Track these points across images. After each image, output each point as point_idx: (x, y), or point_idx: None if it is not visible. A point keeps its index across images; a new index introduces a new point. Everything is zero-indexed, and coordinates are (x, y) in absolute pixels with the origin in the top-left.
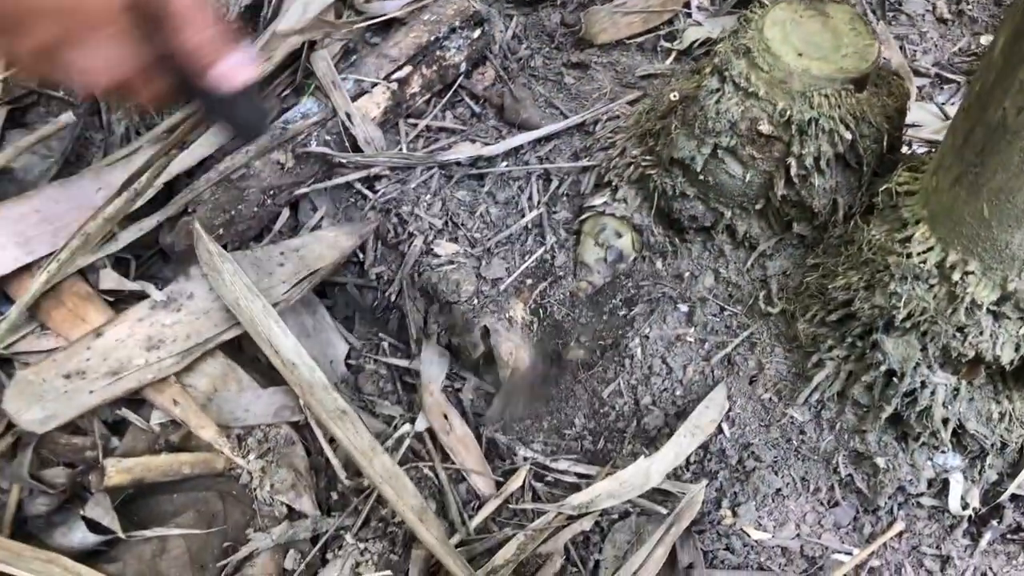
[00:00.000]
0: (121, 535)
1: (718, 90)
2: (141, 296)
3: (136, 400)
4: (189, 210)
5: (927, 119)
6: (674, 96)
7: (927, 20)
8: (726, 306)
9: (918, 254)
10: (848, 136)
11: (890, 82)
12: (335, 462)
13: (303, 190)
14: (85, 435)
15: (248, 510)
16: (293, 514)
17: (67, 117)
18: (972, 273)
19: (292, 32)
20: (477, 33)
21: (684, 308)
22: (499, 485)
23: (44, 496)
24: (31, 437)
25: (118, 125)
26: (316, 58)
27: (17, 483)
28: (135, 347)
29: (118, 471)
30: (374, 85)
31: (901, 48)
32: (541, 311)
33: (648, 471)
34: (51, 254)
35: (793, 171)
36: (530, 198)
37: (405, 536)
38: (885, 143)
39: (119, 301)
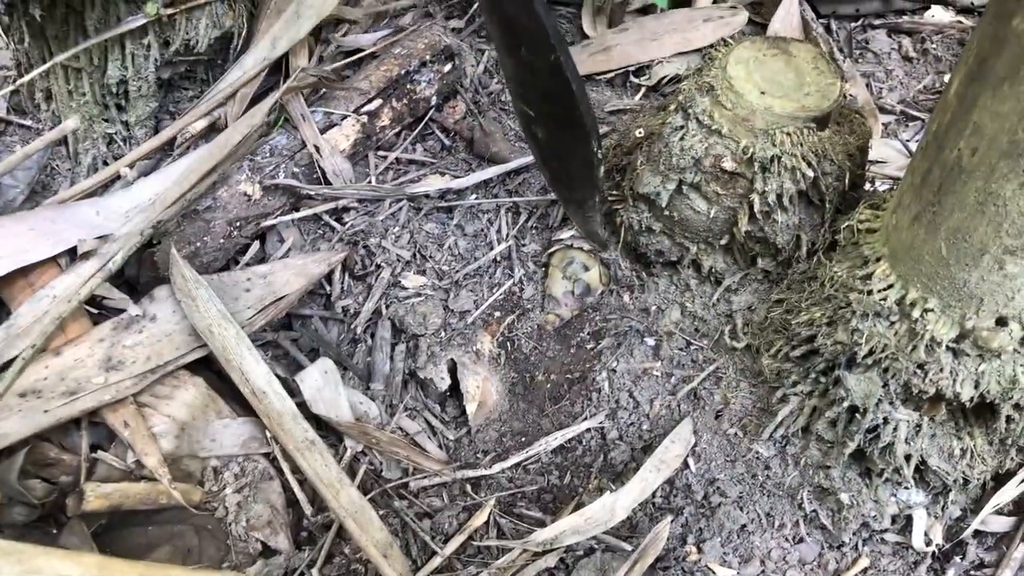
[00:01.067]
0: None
1: (682, 127)
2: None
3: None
4: (155, 242)
5: (892, 155)
6: (639, 133)
7: (893, 58)
8: (692, 340)
9: (879, 291)
10: (810, 173)
11: (852, 120)
12: (301, 496)
13: (270, 222)
14: (73, 453)
15: (223, 545)
16: (267, 551)
17: (73, 123)
18: (931, 310)
19: (285, 89)
20: (448, 67)
21: (651, 342)
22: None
23: (23, 506)
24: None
25: (85, 155)
26: (286, 92)
27: (2, 489)
28: (94, 367)
29: (96, 496)
30: (344, 118)
31: (868, 85)
32: (509, 344)
33: (613, 507)
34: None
35: (756, 207)
36: (499, 231)
37: (368, 574)
38: (847, 180)
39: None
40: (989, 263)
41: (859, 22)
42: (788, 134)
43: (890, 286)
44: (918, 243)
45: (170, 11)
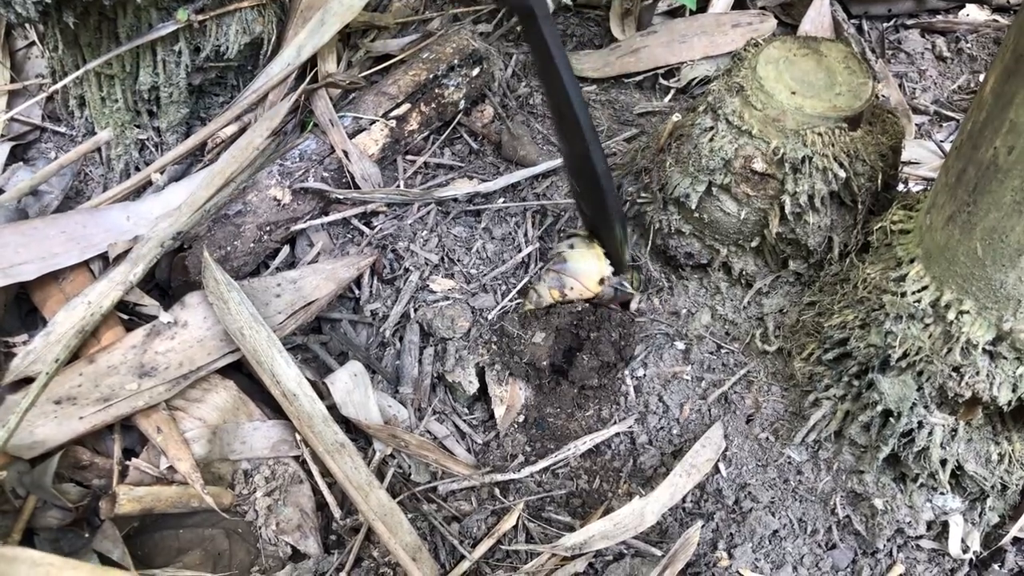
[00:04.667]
0: (133, 572)
1: (711, 128)
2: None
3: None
4: (185, 246)
5: (925, 156)
6: (676, 118)
7: (926, 58)
8: (723, 344)
9: (913, 293)
10: (842, 174)
11: (884, 120)
12: (330, 499)
13: (300, 226)
14: (106, 456)
15: (253, 549)
16: (297, 555)
17: (107, 134)
18: (967, 312)
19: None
20: (476, 71)
21: (681, 345)
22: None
23: (58, 510)
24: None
25: (118, 161)
26: (315, 96)
27: (37, 493)
28: (127, 373)
29: (129, 500)
30: (372, 122)
31: (900, 86)
32: None
33: (643, 512)
34: (75, 266)
35: (788, 209)
36: (526, 234)
37: None
38: (880, 181)
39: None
40: None
41: (891, 22)
42: (820, 134)
43: (924, 287)
44: (953, 244)
45: (200, 18)
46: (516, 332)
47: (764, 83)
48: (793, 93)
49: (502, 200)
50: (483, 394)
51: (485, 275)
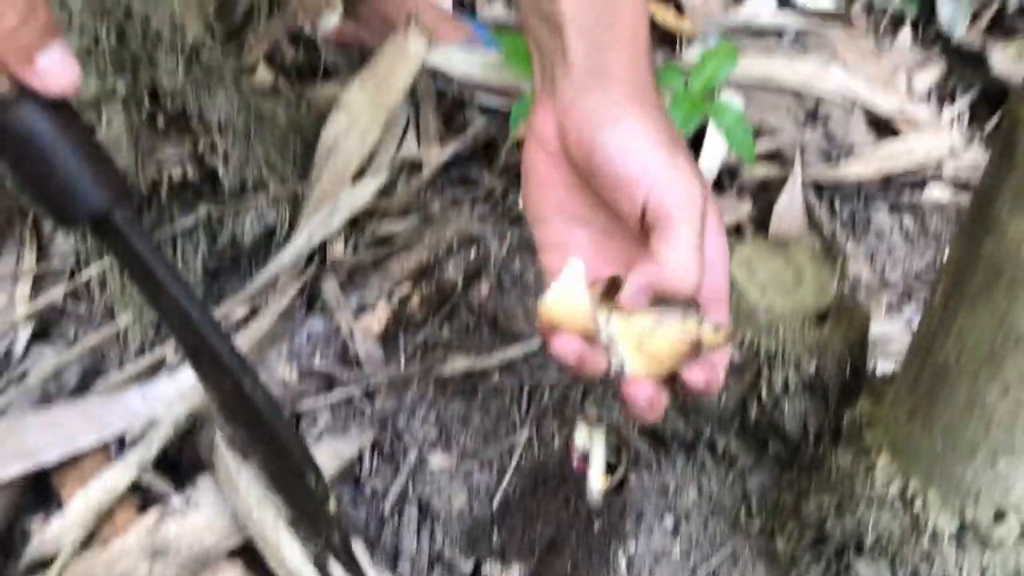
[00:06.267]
0: None
1: None
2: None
3: None
4: (197, 426)
5: (896, 332)
6: None
7: (895, 235)
8: (710, 520)
9: (881, 482)
10: (812, 367)
11: (851, 314)
12: None
13: (305, 406)
14: None
15: None
16: None
17: (126, 319)
18: (932, 502)
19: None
20: (474, 252)
21: (670, 522)
22: None
23: None
24: None
25: (134, 340)
26: (323, 279)
27: None
28: (140, 557)
29: None
30: (376, 303)
31: (871, 262)
32: None
33: None
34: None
35: (763, 397)
36: (521, 410)
37: None
38: (848, 371)
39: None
40: (982, 460)
41: (861, 200)
42: (791, 330)
43: (892, 477)
44: (915, 437)
45: (219, 211)
46: (511, 514)
47: (736, 284)
48: (764, 292)
49: (498, 376)
50: (477, 572)
51: (482, 451)
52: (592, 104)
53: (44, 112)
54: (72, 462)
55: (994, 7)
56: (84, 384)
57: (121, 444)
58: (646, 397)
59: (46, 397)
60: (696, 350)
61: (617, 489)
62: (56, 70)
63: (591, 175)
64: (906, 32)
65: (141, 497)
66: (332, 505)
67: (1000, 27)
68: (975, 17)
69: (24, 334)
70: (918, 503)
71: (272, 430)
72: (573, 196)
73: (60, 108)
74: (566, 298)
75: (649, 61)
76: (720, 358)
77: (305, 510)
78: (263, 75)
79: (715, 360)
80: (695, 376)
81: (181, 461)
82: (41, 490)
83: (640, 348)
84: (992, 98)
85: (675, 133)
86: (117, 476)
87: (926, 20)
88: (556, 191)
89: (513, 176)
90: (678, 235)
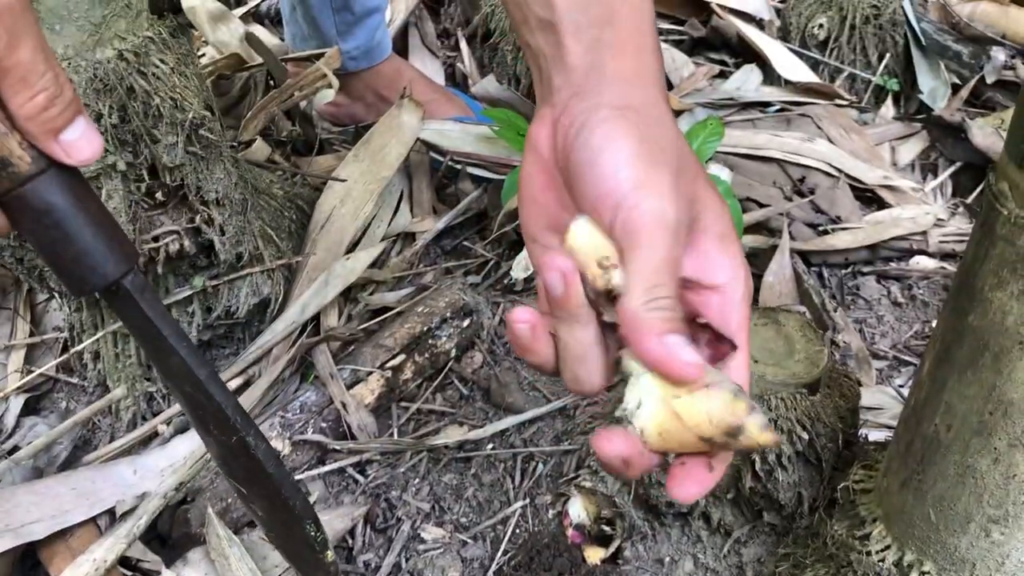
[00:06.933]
0: None
1: None
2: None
3: None
4: (188, 499)
5: (886, 402)
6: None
7: (883, 304)
8: None
9: (877, 552)
10: (805, 436)
11: (841, 384)
12: None
13: (298, 476)
14: None
15: None
16: None
17: (120, 392)
18: (928, 573)
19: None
20: (466, 322)
21: None
22: None
23: None
24: None
25: (126, 412)
26: (316, 349)
27: None
28: None
29: None
30: (369, 373)
31: (860, 332)
32: None
33: None
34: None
35: (757, 466)
36: (514, 481)
37: None
38: (840, 440)
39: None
40: (976, 530)
41: (848, 269)
42: (782, 399)
43: (887, 547)
44: (908, 508)
45: (214, 282)
46: None
47: None
48: (756, 361)
49: (491, 446)
50: None
51: (475, 524)
52: (586, 103)
53: (62, 184)
54: (61, 535)
55: (973, 81)
56: (75, 456)
57: (112, 517)
58: (624, 455)
59: (37, 471)
60: (729, 439)
61: (612, 560)
62: (82, 144)
63: (570, 184)
64: (888, 105)
65: (131, 571)
66: (330, 555)
67: (979, 100)
68: (955, 90)
69: (16, 405)
70: (914, 574)
71: (274, 482)
72: (564, 214)
73: (76, 179)
74: (588, 234)
75: (656, 63)
76: (724, 461)
77: (304, 560)
78: (260, 149)
79: (720, 464)
80: (686, 489)
81: (172, 534)
82: (30, 565)
83: (668, 403)
84: (975, 168)
85: (671, 146)
86: (106, 550)
87: (908, 93)
88: (547, 208)
89: (505, 246)
90: (636, 264)
